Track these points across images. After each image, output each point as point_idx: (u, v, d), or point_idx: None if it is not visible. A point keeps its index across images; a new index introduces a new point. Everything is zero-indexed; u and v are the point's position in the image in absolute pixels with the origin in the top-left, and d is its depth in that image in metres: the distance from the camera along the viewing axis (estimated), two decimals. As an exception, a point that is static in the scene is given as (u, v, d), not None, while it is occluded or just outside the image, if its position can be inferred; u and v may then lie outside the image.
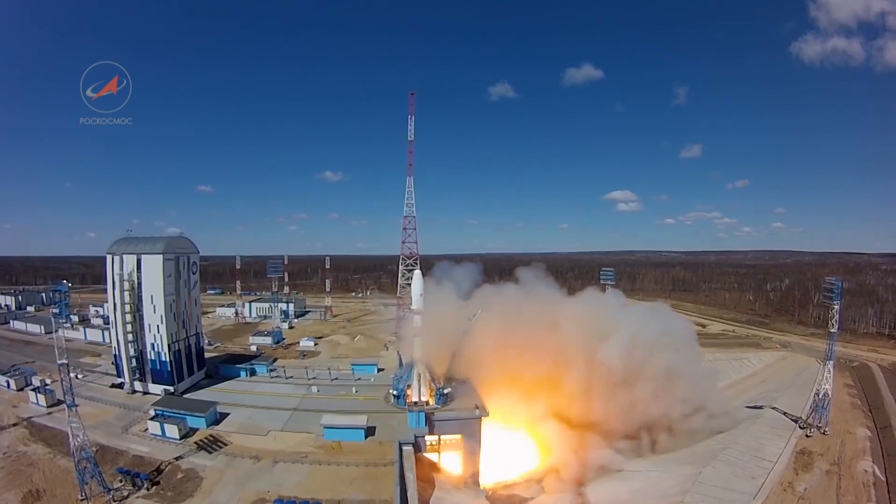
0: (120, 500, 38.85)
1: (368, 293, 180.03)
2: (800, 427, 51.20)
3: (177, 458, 44.27)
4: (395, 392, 55.65)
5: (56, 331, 39.88)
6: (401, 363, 58.95)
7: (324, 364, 74.81)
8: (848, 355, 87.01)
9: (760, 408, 57.40)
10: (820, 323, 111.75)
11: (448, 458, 47.95)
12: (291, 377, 67.50)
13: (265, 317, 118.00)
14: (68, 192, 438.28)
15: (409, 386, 53.21)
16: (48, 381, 59.89)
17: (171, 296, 60.83)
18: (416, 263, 59.43)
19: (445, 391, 52.56)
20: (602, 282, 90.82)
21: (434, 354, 53.21)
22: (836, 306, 48.96)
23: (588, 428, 53.13)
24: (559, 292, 68.65)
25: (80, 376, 64.12)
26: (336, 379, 66.43)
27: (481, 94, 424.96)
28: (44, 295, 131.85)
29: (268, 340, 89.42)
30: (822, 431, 49.95)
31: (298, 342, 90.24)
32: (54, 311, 41.05)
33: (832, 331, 49.70)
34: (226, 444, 47.15)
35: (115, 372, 63.53)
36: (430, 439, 47.52)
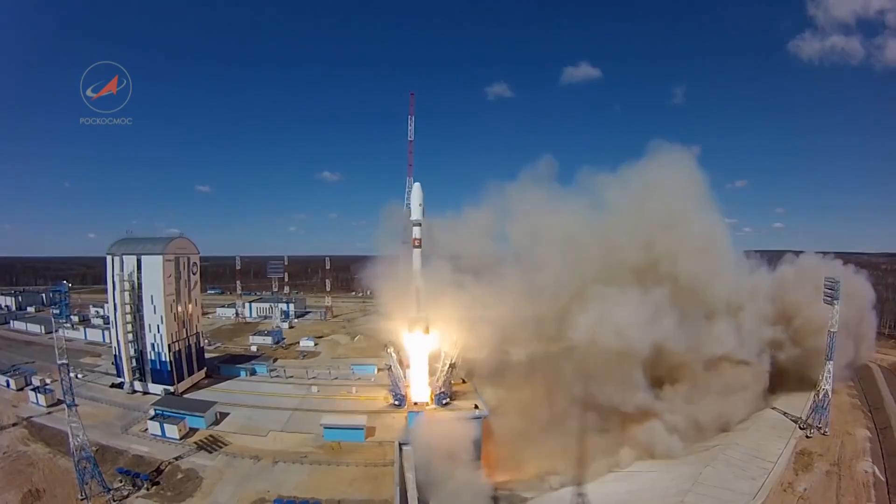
0: (120, 500, 38.90)
1: (368, 293, 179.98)
2: (800, 427, 51.11)
3: (177, 458, 44.33)
4: (395, 402, 55.65)
5: (56, 331, 39.94)
6: (399, 363, 58.81)
7: (324, 364, 74.87)
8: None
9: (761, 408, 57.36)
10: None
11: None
12: (291, 377, 67.54)
13: (265, 317, 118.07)
14: (68, 193, 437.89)
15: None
16: (48, 381, 59.90)
17: (171, 296, 60.86)
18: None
19: (444, 402, 52.42)
20: None
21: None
22: (835, 306, 48.91)
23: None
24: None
25: (80, 376, 64.18)
26: (336, 379, 66.47)
27: (478, 94, 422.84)
28: (44, 295, 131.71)
29: (268, 340, 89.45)
30: (822, 432, 49.85)
31: (298, 342, 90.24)
32: (54, 311, 41.14)
33: (832, 331, 49.63)
34: (226, 444, 47.21)
35: (115, 372, 63.59)
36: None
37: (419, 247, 50.68)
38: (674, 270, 52.45)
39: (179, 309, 62.85)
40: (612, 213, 56.96)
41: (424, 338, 51.44)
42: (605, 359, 49.79)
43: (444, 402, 52.24)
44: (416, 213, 50.90)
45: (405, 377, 55.93)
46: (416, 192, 51.22)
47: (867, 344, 68.21)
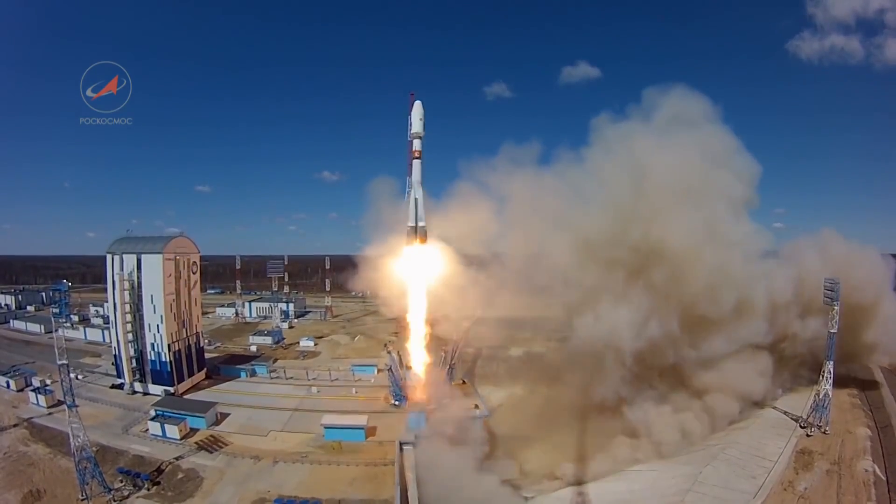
0: (120, 501, 38.91)
1: (368, 293, 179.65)
2: (800, 426, 51.16)
3: (177, 459, 44.33)
4: (396, 402, 55.63)
5: (56, 330, 39.97)
6: (399, 363, 58.86)
7: (324, 364, 74.90)
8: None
9: (762, 407, 57.39)
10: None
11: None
12: (291, 377, 67.53)
13: (265, 317, 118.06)
14: (68, 192, 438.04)
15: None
16: (48, 382, 59.87)
17: (171, 296, 60.83)
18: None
19: (444, 401, 52.33)
20: None
21: None
22: (835, 306, 48.88)
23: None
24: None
25: (80, 377, 64.08)
26: (336, 379, 66.48)
27: (477, 94, 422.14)
28: (44, 294, 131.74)
29: (268, 340, 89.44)
30: (823, 431, 49.88)
31: (298, 342, 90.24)
32: (54, 310, 41.15)
33: (832, 331, 49.62)
34: (226, 445, 47.20)
35: (115, 372, 63.55)
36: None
37: (419, 158, 52.10)
38: (668, 271, 49.02)
39: (179, 308, 62.82)
40: (606, 200, 51.88)
41: (422, 249, 51.87)
42: (602, 356, 49.61)
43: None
44: (416, 127, 52.23)
45: (405, 377, 56.03)
46: (416, 109, 52.50)
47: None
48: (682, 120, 51.90)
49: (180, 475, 42.21)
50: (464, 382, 59.41)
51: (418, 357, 54.77)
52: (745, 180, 53.21)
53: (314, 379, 66.09)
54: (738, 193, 52.56)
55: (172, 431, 48.09)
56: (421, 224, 51.80)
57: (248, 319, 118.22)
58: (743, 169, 53.16)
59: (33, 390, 57.54)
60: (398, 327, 72.03)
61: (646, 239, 48.59)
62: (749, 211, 56.60)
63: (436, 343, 57.78)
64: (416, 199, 52.13)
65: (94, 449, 41.13)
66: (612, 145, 53.14)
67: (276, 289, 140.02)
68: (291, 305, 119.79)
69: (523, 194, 54.85)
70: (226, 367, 71.15)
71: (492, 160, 55.51)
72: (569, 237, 51.79)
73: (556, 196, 54.30)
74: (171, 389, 59.78)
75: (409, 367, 56.78)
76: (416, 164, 52.79)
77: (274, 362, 74.72)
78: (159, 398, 57.45)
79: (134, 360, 60.25)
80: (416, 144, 52.80)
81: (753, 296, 50.79)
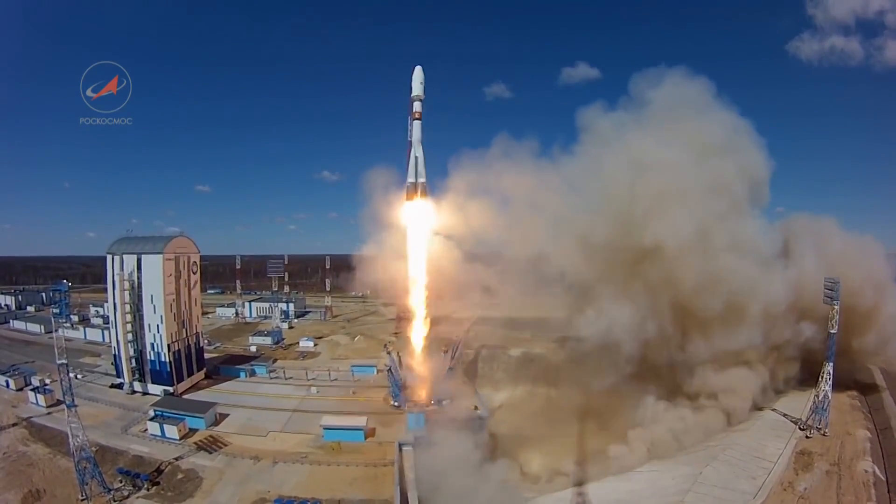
0: (120, 501, 38.88)
1: (368, 293, 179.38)
2: (800, 428, 51.12)
3: (177, 459, 44.29)
4: (395, 403, 55.60)
5: (56, 330, 39.88)
6: (399, 364, 58.86)
7: (323, 364, 74.84)
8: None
9: (761, 409, 57.40)
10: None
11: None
12: (291, 378, 67.50)
13: (265, 317, 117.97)
14: (68, 193, 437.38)
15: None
16: (48, 381, 59.81)
17: (171, 296, 60.82)
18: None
19: (444, 402, 52.41)
20: None
21: None
22: (835, 306, 48.81)
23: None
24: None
25: (79, 376, 64.06)
26: (336, 380, 66.43)
27: (477, 94, 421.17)
28: (44, 295, 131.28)
29: (267, 341, 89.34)
30: (822, 432, 49.85)
31: (298, 342, 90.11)
32: (54, 310, 41.02)
33: (831, 332, 49.57)
34: (225, 445, 47.17)
35: (114, 372, 63.52)
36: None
37: (419, 119, 52.88)
38: (663, 271, 47.81)
39: (179, 308, 62.80)
40: (602, 198, 50.79)
41: (422, 205, 52.54)
42: (602, 354, 49.45)
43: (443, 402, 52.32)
44: (416, 90, 52.94)
45: (405, 378, 56.06)
46: (417, 73, 53.23)
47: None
48: (680, 108, 50.08)
49: (180, 475, 42.18)
50: (464, 383, 59.40)
51: (418, 355, 54.72)
52: (748, 176, 50.98)
53: (314, 379, 66.05)
54: (740, 190, 50.57)
55: (172, 432, 48.06)
56: (421, 180, 52.58)
57: (248, 319, 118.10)
58: (749, 162, 50.74)
59: (33, 390, 57.50)
60: (398, 328, 72.04)
61: (641, 239, 47.69)
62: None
63: (436, 343, 57.82)
64: (416, 157, 53.16)
65: (93, 449, 41.12)
66: (607, 140, 52.23)
67: (276, 289, 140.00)
68: (291, 305, 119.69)
69: (521, 191, 54.71)
70: (225, 368, 71.10)
71: (485, 153, 55.46)
72: (568, 236, 51.65)
73: (554, 193, 54.15)
74: (171, 389, 59.75)
75: (410, 367, 56.76)
76: (417, 124, 53.62)
77: (273, 362, 74.66)
78: (159, 398, 57.42)
79: (133, 360, 60.23)
80: (417, 106, 53.46)
81: (748, 299, 48.91)
